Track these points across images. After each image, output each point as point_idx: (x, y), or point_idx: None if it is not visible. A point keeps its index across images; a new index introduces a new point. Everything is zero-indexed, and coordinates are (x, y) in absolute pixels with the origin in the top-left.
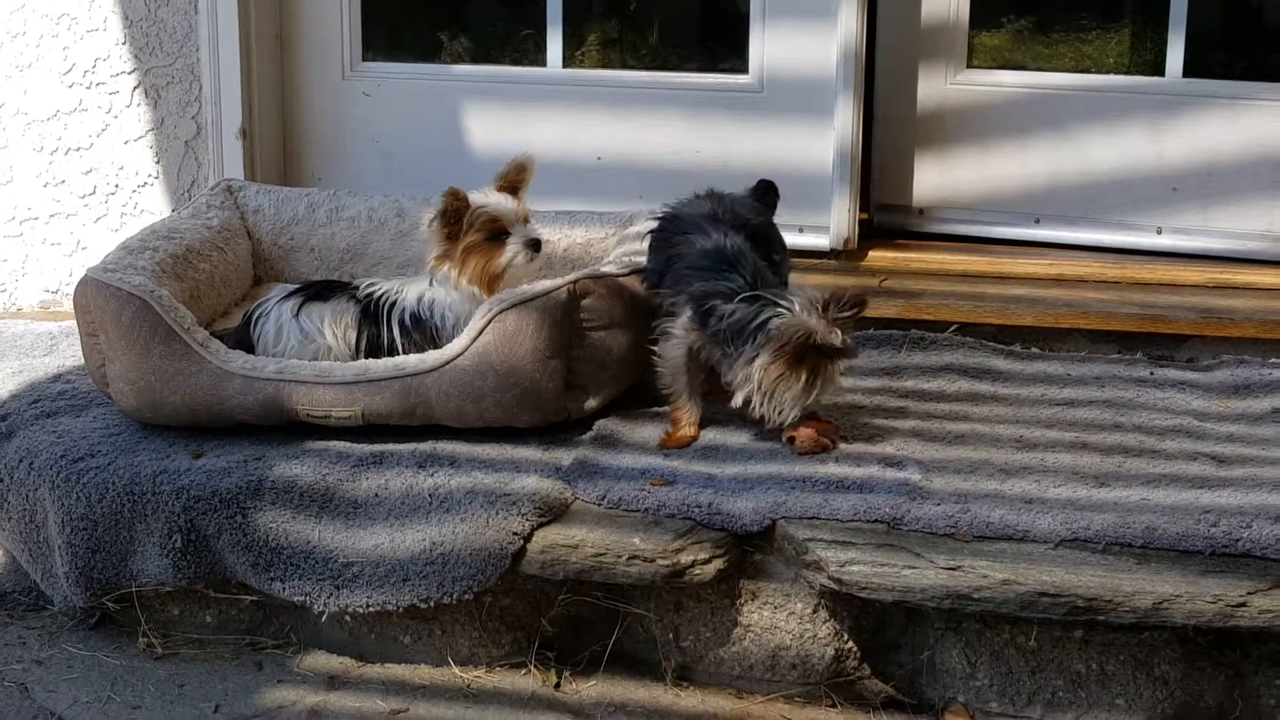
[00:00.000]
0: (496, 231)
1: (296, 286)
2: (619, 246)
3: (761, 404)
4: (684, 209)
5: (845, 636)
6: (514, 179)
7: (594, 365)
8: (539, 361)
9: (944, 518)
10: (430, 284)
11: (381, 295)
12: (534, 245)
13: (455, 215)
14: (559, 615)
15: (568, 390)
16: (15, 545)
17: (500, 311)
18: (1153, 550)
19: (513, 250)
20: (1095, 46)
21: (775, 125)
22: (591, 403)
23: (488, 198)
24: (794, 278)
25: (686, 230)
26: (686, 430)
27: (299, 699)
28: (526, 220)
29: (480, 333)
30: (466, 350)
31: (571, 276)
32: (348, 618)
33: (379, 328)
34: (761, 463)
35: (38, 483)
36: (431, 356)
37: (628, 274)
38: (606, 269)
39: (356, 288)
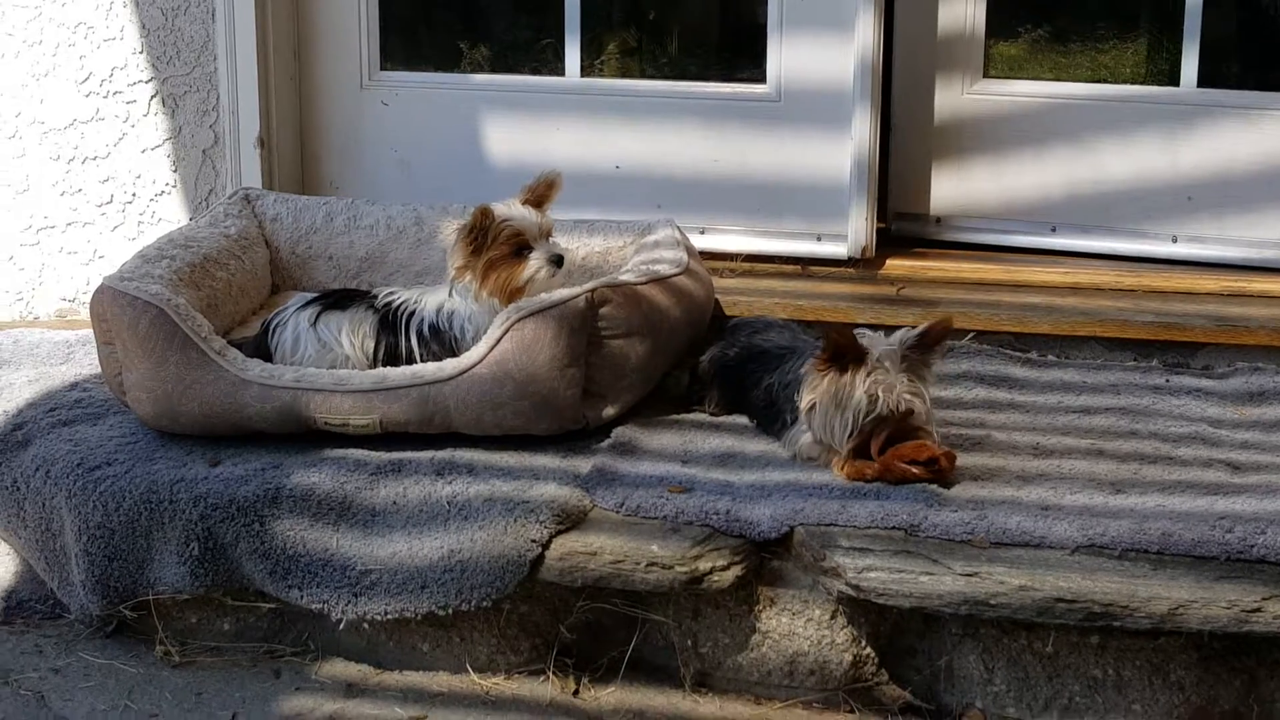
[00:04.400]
0: (519, 246)
1: (315, 295)
2: (636, 255)
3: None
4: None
5: (863, 643)
6: (541, 193)
7: (612, 373)
8: (557, 370)
9: (961, 524)
10: (450, 294)
11: (400, 304)
12: (556, 260)
13: (482, 231)
14: (577, 622)
15: (585, 398)
16: (32, 553)
17: (518, 320)
18: (1168, 556)
19: (535, 265)
20: (1111, 56)
21: (793, 135)
22: (610, 410)
23: (511, 210)
24: (811, 286)
25: (780, 357)
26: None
27: (317, 707)
28: (549, 234)
29: (498, 341)
30: (484, 359)
31: (589, 285)
32: (366, 625)
33: (397, 337)
34: (779, 470)
35: (54, 491)
36: (450, 364)
37: (645, 282)
38: (625, 278)
39: (375, 297)
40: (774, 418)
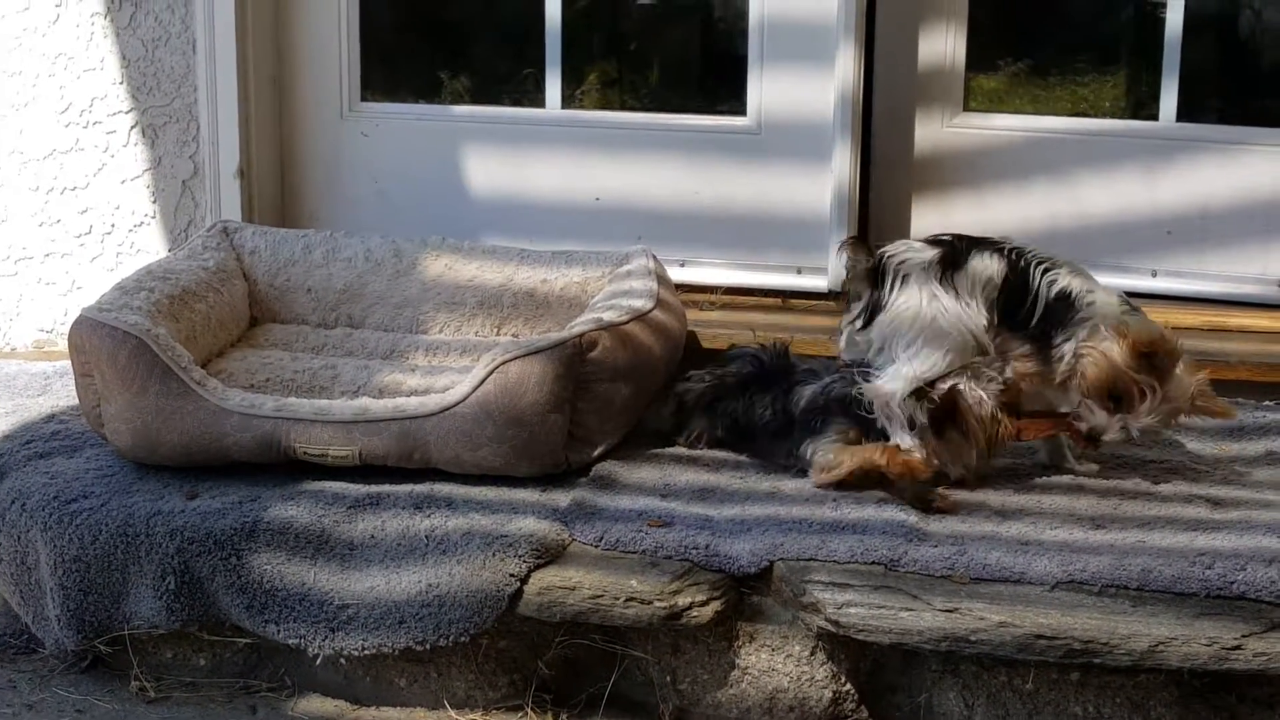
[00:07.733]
0: None
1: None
2: (611, 284)
3: None
4: None
5: (843, 679)
6: None
7: (598, 417)
8: (540, 415)
9: (941, 559)
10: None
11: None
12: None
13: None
14: (556, 657)
15: (571, 441)
16: (6, 587)
17: (504, 361)
18: (1148, 593)
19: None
20: (1091, 90)
21: (773, 168)
22: (594, 453)
23: None
24: (792, 319)
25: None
26: None
27: None
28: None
29: (482, 381)
30: (468, 398)
31: (578, 329)
32: (343, 660)
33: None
34: (759, 504)
35: (30, 524)
36: (432, 401)
37: (628, 321)
38: (609, 316)
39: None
40: (785, 436)
